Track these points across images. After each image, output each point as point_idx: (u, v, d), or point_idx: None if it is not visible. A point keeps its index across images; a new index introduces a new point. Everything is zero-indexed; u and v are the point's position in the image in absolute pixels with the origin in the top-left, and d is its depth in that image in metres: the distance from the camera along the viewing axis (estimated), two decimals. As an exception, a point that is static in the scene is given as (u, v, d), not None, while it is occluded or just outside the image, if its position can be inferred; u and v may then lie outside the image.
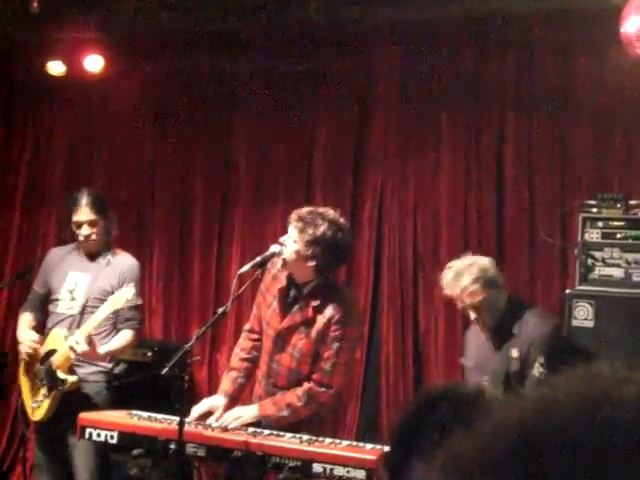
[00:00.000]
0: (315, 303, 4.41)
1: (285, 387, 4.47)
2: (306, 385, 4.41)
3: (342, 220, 4.47)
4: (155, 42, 6.99)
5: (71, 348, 4.90)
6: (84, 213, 5.31)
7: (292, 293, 4.50)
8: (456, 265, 4.80)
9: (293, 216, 4.43)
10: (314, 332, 4.39)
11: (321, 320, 4.38)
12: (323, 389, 4.40)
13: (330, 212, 4.43)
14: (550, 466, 0.72)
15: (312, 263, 4.36)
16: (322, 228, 4.32)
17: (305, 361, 4.43)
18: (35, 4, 6.36)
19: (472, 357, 4.99)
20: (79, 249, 5.44)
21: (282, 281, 4.52)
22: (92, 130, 7.39)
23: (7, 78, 7.49)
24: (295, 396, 4.39)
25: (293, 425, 4.34)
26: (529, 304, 5.14)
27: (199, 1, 6.56)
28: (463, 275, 4.71)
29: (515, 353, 4.68)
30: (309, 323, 4.41)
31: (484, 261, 4.83)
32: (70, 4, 6.55)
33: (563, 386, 0.79)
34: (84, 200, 5.32)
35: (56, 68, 6.83)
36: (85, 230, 5.31)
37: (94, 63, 6.72)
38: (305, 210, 4.45)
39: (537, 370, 4.56)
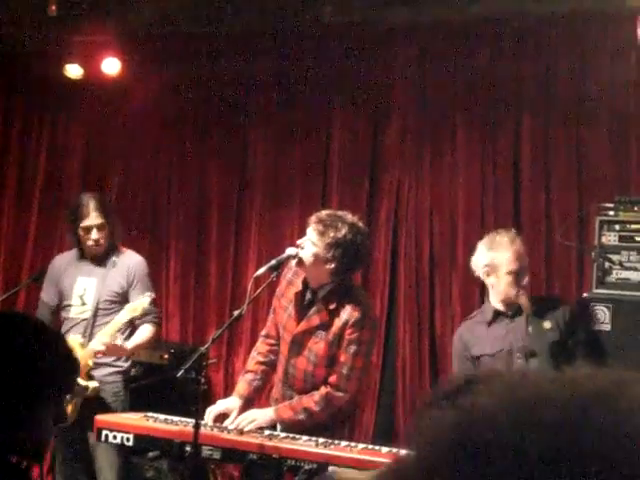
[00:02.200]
0: (331, 306, 4.39)
1: (301, 390, 4.46)
2: (323, 389, 4.40)
3: (361, 224, 4.47)
4: (172, 46, 7.01)
5: (99, 352, 5.01)
6: (93, 218, 5.32)
7: (308, 297, 4.49)
8: (503, 232, 4.86)
9: (313, 219, 4.42)
10: (330, 335, 4.39)
11: (337, 323, 4.38)
12: (340, 393, 4.39)
13: (349, 215, 4.42)
14: (480, 466, 0.75)
15: (330, 266, 4.34)
16: (343, 231, 4.31)
17: (321, 364, 4.42)
18: (53, 7, 6.40)
19: (480, 345, 4.83)
20: (83, 254, 5.44)
21: (298, 285, 4.50)
22: (109, 133, 7.41)
23: (25, 81, 7.53)
24: (312, 400, 4.38)
25: (306, 429, 4.33)
26: None
27: (216, 4, 6.58)
28: (517, 239, 4.81)
29: (548, 324, 4.68)
30: (326, 326, 4.40)
31: None
32: (88, 7, 6.58)
33: (491, 389, 0.82)
34: (92, 204, 5.33)
35: (74, 71, 6.85)
36: (94, 234, 5.32)
37: (111, 66, 6.75)
38: (325, 213, 4.45)
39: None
